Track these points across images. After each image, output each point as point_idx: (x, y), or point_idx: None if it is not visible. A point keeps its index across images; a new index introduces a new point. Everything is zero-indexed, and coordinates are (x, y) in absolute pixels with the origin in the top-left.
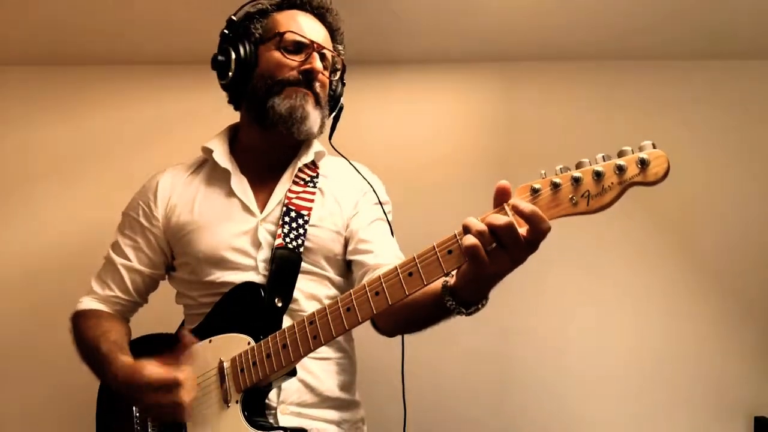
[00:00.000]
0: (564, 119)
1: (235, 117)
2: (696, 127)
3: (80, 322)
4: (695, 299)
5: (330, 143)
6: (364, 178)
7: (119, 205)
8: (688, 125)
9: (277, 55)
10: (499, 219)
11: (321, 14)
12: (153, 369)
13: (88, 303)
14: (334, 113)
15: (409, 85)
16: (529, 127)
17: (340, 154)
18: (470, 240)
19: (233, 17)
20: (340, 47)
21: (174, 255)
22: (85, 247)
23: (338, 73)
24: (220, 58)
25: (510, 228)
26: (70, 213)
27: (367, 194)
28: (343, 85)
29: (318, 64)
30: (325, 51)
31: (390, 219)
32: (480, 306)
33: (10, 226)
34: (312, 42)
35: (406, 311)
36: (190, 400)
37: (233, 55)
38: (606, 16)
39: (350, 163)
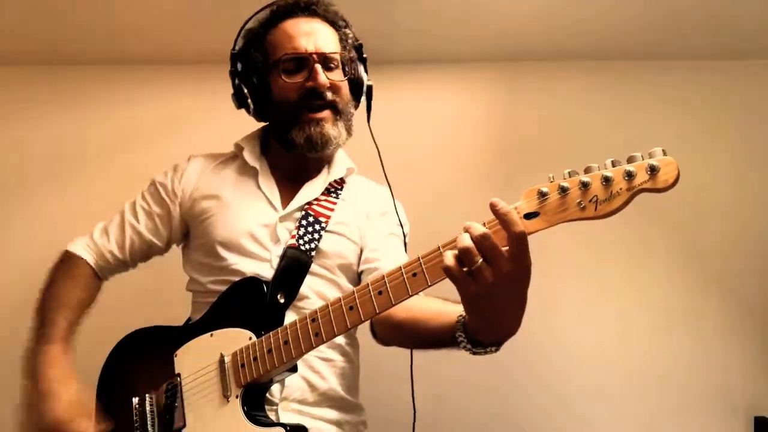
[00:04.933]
0: (564, 119)
1: (237, 116)
2: (696, 127)
3: (63, 268)
4: (695, 299)
5: (368, 126)
6: (391, 195)
7: (119, 205)
8: (688, 125)
9: (281, 81)
10: (476, 229)
11: (311, 11)
12: (66, 407)
13: (80, 249)
14: (363, 96)
15: (409, 85)
16: (529, 127)
17: (374, 140)
18: (447, 261)
19: (234, 51)
20: (346, 31)
21: (191, 236)
22: None
23: (351, 65)
24: (235, 98)
25: (485, 237)
26: (69, 213)
27: (388, 214)
28: (365, 61)
29: (321, 77)
30: (327, 55)
31: (407, 241)
32: (489, 351)
33: (10, 227)
34: (309, 54)
35: (413, 326)
36: None
37: (245, 91)
38: (606, 17)
39: (383, 171)
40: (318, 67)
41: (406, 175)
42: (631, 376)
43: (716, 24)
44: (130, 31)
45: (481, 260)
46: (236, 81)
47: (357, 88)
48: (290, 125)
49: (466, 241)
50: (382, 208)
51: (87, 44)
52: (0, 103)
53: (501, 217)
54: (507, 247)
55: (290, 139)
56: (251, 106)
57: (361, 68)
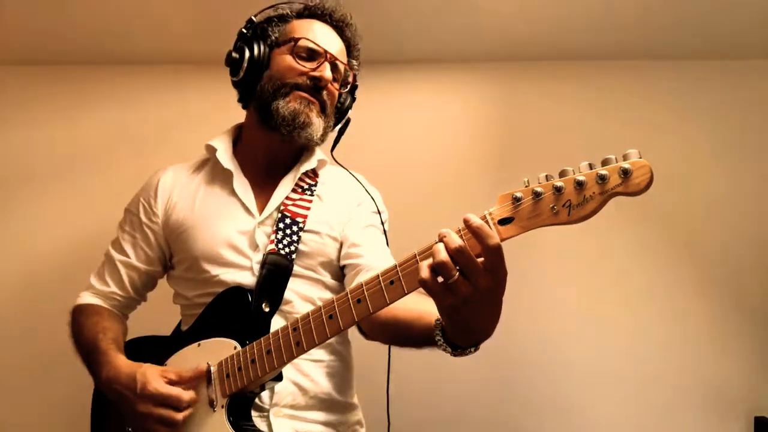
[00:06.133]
0: (563, 119)
1: (236, 118)
2: (696, 127)
3: (80, 317)
4: (695, 299)
5: (332, 155)
6: (364, 188)
7: (119, 205)
8: (689, 125)
9: (289, 59)
10: (453, 242)
11: (340, 28)
12: (160, 381)
13: (87, 298)
14: (339, 126)
15: (408, 85)
16: (528, 127)
17: (341, 165)
18: (423, 273)
19: (254, 18)
20: (354, 63)
21: (172, 252)
22: (85, 247)
23: (348, 87)
24: (234, 55)
25: (461, 251)
26: (69, 213)
27: (364, 204)
28: (353, 100)
29: (328, 73)
30: (337, 62)
31: (386, 228)
32: (467, 352)
33: (10, 226)
34: (325, 51)
35: (396, 328)
36: (183, 421)
37: (247, 54)
38: (606, 17)
39: (350, 173)
40: (327, 64)
41: (402, 174)
42: (630, 376)
43: (715, 24)
44: (129, 31)
45: (457, 274)
46: (240, 42)
47: (340, 111)
48: (279, 96)
49: (442, 254)
50: (357, 199)
51: (86, 44)
52: None
53: (474, 232)
54: (482, 258)
55: (274, 109)
56: (244, 68)
57: (350, 99)
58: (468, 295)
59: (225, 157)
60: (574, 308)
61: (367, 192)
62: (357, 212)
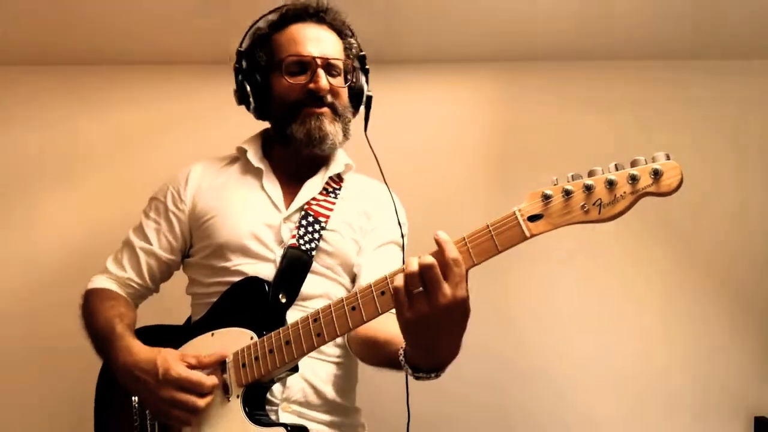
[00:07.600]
0: (564, 119)
1: (235, 118)
2: (696, 128)
3: (94, 300)
4: (695, 299)
5: (365, 135)
6: (390, 194)
7: (119, 206)
8: (688, 125)
9: (283, 81)
10: (424, 258)
11: (320, 18)
12: (182, 366)
13: (102, 282)
14: (362, 105)
15: (409, 85)
16: (529, 127)
17: (371, 148)
18: (397, 281)
19: (240, 49)
20: (351, 40)
21: (193, 241)
22: (85, 247)
23: (353, 73)
24: (238, 93)
25: (428, 267)
26: (69, 213)
27: (387, 214)
28: (366, 72)
29: (323, 81)
30: (330, 61)
31: (405, 243)
32: (430, 377)
33: (10, 227)
34: (313, 58)
35: (373, 346)
36: (204, 407)
37: (248, 89)
38: (606, 17)
39: (382, 175)
40: (320, 71)
41: (408, 176)
42: (631, 376)
43: (715, 24)
44: (129, 31)
45: (420, 288)
46: (239, 77)
47: (356, 96)
48: (290, 120)
49: (412, 265)
50: (381, 207)
51: (86, 44)
52: None
53: (438, 244)
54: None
55: (289, 134)
56: (252, 102)
57: (362, 78)
58: (425, 313)
59: (255, 158)
60: (575, 308)
61: (393, 200)
62: (379, 223)
